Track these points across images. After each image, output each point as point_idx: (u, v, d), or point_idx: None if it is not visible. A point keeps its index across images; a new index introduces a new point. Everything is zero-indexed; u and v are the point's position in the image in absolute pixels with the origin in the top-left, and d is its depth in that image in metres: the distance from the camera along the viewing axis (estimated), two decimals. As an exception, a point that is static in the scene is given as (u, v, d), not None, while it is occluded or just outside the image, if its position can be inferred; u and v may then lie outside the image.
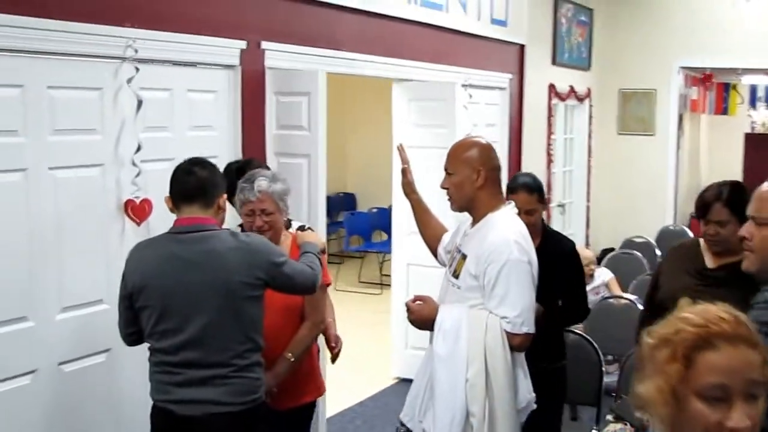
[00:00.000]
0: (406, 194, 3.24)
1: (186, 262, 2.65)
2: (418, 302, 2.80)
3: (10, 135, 3.08)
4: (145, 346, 2.80)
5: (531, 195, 3.48)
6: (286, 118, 4.35)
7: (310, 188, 4.29)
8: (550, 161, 8.01)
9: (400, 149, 3.27)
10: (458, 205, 2.83)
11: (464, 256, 2.77)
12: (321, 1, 4.66)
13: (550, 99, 7.96)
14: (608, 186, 9.35)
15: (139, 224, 3.56)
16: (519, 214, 3.10)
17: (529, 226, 3.17)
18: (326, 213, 10.47)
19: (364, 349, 6.48)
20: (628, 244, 7.46)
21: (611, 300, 5.30)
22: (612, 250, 7.78)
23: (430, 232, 3.25)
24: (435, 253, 3.23)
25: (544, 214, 4.07)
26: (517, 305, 2.65)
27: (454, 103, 5.55)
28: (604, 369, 3.99)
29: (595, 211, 9.29)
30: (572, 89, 8.46)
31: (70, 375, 3.32)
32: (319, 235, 3.31)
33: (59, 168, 3.26)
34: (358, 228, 9.70)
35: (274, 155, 4.38)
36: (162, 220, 3.13)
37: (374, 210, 9.95)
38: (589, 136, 9.09)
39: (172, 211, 2.79)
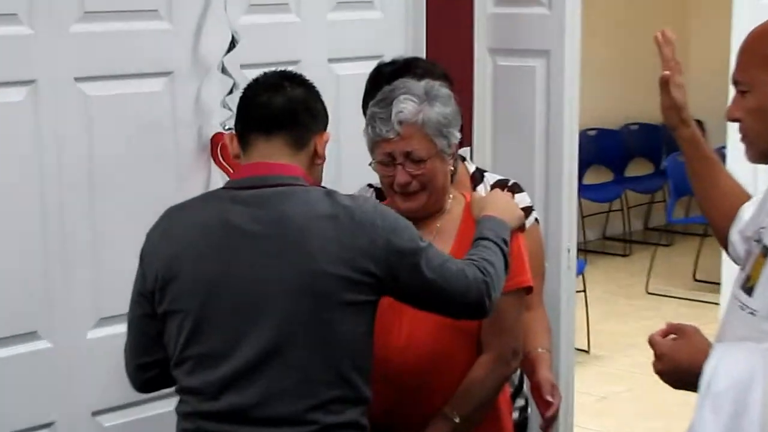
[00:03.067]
0: (670, 127, 2.02)
1: (245, 237, 1.75)
2: (671, 336, 1.71)
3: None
4: None
5: None
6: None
7: (550, 112, 2.80)
8: None
9: (660, 40, 1.98)
10: (759, 151, 1.75)
11: (767, 253, 1.67)
12: None
13: None
14: None
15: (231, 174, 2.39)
16: None
17: None
18: (657, 154, 7.26)
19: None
20: None
21: None
22: None
23: (715, 198, 2.01)
24: (723, 240, 1.98)
25: None
26: None
27: None
28: None
29: None
30: None
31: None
32: (516, 203, 2.07)
33: (88, 79, 2.22)
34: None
35: (487, 52, 2.95)
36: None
37: (725, 149, 6.17)
38: None
39: (236, 157, 1.90)
